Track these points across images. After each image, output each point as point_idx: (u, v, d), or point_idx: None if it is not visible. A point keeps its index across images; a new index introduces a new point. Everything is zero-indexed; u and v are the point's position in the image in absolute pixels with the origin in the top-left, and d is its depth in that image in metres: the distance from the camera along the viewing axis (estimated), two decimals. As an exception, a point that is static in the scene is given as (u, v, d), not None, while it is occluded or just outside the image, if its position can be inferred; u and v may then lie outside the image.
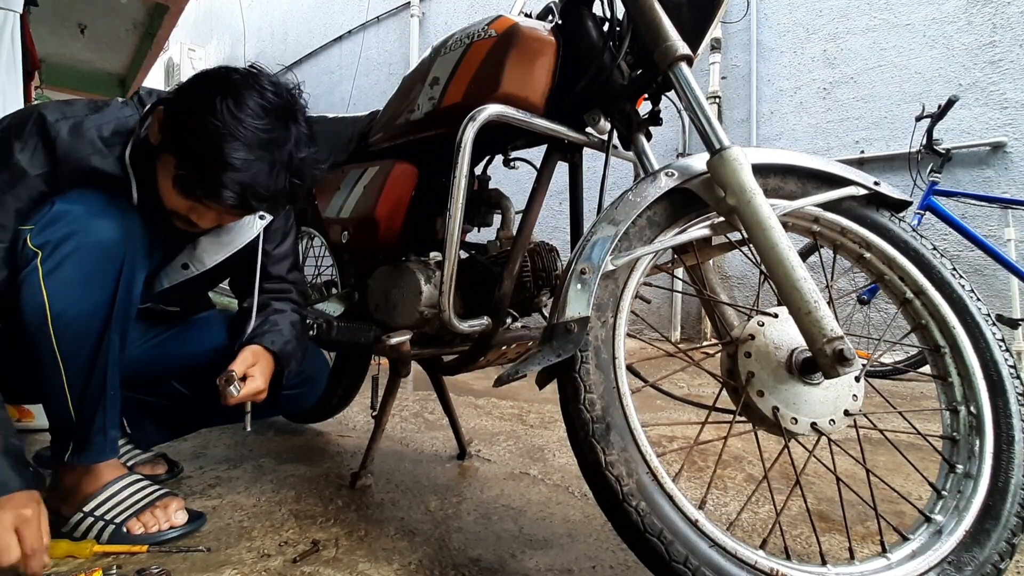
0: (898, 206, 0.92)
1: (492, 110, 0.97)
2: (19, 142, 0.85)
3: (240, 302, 1.17)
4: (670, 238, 0.83)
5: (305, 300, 1.25)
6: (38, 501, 0.81)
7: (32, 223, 0.85)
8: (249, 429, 1.00)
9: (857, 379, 0.80)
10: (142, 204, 0.93)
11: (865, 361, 0.78)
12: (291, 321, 1.12)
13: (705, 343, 3.36)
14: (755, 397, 0.77)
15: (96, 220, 0.87)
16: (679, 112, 1.14)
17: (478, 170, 1.31)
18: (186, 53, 7.54)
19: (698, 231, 0.84)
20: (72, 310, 0.86)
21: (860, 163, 2.99)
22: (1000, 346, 0.86)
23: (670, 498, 0.70)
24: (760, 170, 0.84)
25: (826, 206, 0.88)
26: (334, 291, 1.49)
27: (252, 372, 1.00)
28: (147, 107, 0.96)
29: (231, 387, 0.95)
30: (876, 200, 0.91)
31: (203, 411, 1.25)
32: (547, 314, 0.88)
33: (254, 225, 1.09)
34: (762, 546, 0.72)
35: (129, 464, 1.18)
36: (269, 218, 1.11)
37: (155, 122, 0.91)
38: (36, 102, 3.28)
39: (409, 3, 5.25)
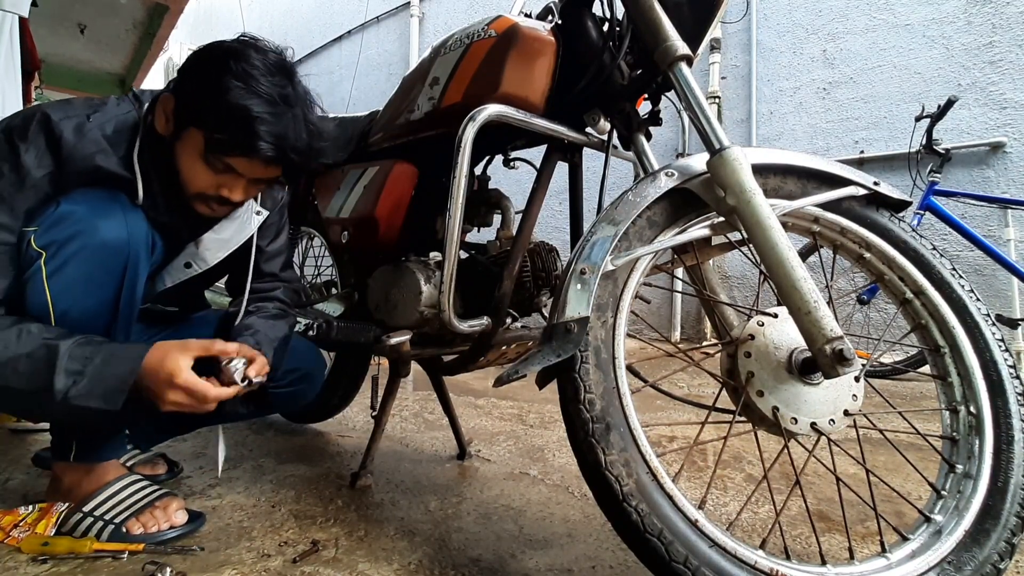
0: (898, 206, 0.92)
1: (492, 110, 0.97)
2: (23, 143, 0.84)
3: (232, 302, 1.17)
4: (670, 238, 0.83)
5: (297, 297, 1.24)
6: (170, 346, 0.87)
7: (36, 224, 0.85)
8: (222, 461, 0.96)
9: (857, 379, 0.80)
10: (146, 203, 0.93)
11: (865, 361, 0.78)
12: (263, 317, 1.09)
13: (705, 343, 3.36)
14: (755, 397, 0.77)
15: (101, 220, 0.87)
16: (679, 112, 1.14)
17: (478, 170, 1.31)
18: (186, 53, 7.50)
19: (698, 231, 0.84)
20: (76, 309, 0.86)
21: (860, 163, 2.99)
22: (1000, 346, 0.86)
23: (670, 498, 0.70)
24: (760, 170, 0.84)
25: (826, 206, 0.88)
26: (334, 291, 1.49)
27: (251, 354, 0.97)
28: (144, 105, 0.95)
29: (232, 363, 0.91)
30: (876, 200, 0.91)
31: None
32: (547, 314, 0.88)
33: (251, 221, 1.09)
34: (762, 546, 0.72)
35: (129, 464, 1.18)
36: (266, 213, 1.11)
37: (161, 113, 0.91)
38: (36, 102, 3.29)
39: (409, 3, 5.25)
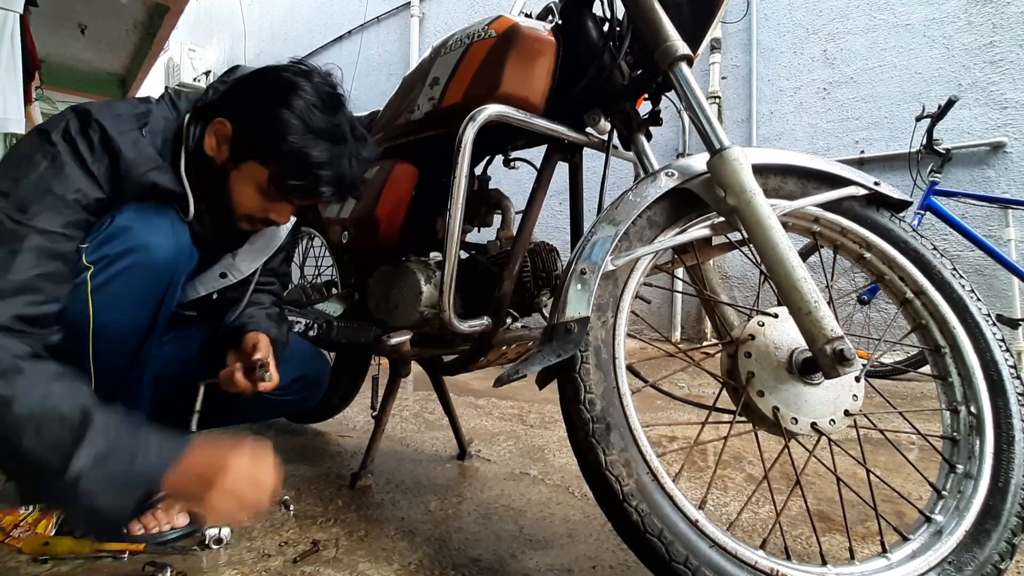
0: (898, 206, 0.92)
1: (492, 110, 0.97)
2: (90, 153, 0.81)
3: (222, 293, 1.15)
4: (670, 238, 0.83)
5: (284, 290, 1.24)
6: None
7: (89, 239, 0.83)
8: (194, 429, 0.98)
9: (857, 379, 0.80)
10: (194, 217, 0.93)
11: (865, 361, 0.78)
12: (267, 314, 1.10)
13: (705, 343, 3.36)
14: (755, 397, 0.77)
15: (152, 238, 0.86)
16: (679, 112, 1.14)
17: (478, 170, 1.31)
18: (186, 53, 7.55)
19: (698, 231, 0.84)
20: (116, 325, 0.85)
21: (860, 163, 2.99)
22: (1000, 346, 0.86)
23: (670, 498, 0.70)
24: (760, 170, 0.84)
25: (826, 206, 0.88)
26: (334, 291, 1.49)
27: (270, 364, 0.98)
28: (182, 112, 0.93)
29: (267, 373, 0.95)
30: (876, 200, 0.91)
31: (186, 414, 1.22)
32: (547, 314, 0.88)
33: (282, 227, 1.09)
34: (762, 546, 0.72)
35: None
36: (294, 219, 1.10)
37: (213, 136, 0.90)
38: (36, 102, 3.29)
39: (409, 3, 5.25)
